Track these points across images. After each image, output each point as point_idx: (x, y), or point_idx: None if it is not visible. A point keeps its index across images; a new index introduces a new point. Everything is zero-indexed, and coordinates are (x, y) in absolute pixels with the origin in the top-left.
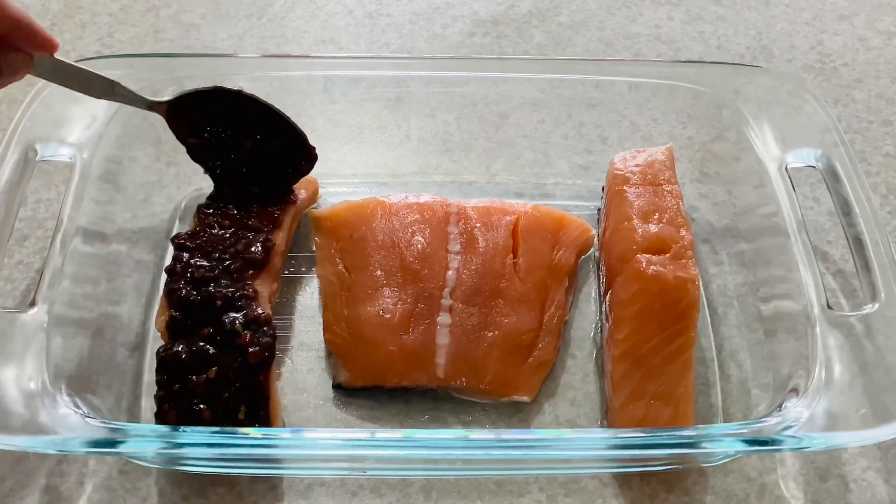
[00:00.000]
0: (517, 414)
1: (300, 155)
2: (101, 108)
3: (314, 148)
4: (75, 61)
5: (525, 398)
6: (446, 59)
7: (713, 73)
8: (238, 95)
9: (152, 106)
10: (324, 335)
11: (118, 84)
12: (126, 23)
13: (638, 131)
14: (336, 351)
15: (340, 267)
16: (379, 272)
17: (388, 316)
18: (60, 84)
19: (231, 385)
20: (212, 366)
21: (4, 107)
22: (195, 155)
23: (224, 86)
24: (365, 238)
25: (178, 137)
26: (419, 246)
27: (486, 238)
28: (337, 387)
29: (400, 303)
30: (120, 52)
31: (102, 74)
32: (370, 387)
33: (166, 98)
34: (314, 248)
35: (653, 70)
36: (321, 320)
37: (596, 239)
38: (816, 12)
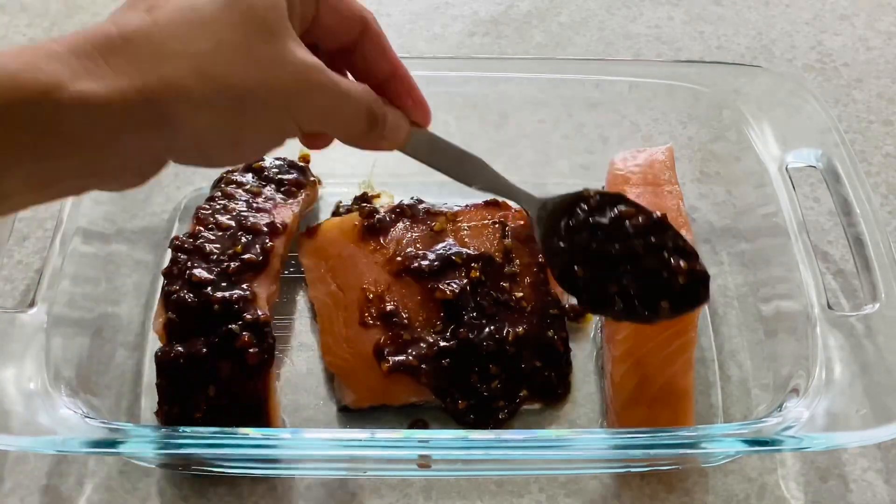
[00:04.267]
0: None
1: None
2: None
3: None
4: None
5: (536, 405)
6: (446, 59)
7: (713, 73)
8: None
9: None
10: (324, 358)
11: (501, 176)
12: None
13: (638, 131)
14: (339, 373)
15: (333, 287)
16: (374, 288)
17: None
18: (430, 165)
19: (230, 386)
20: (211, 368)
21: None
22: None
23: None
24: (354, 255)
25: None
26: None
27: (477, 245)
28: (343, 409)
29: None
30: None
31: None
32: (378, 406)
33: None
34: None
35: (653, 70)
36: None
37: None
38: (816, 12)
